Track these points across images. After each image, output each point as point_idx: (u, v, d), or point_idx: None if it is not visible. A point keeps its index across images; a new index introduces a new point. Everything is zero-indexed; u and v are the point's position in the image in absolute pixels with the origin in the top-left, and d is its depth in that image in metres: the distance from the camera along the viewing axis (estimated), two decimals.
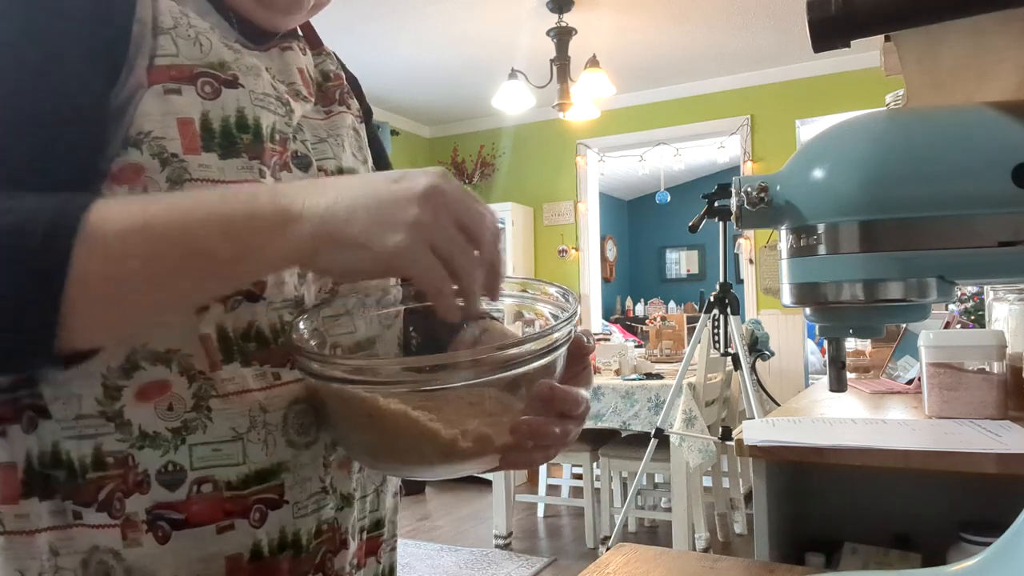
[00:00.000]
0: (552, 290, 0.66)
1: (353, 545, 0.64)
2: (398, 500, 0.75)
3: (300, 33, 0.72)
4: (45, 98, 0.50)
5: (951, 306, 1.67)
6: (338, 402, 0.55)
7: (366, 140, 0.74)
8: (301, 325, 0.58)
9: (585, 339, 0.60)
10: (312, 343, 0.59)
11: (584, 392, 0.57)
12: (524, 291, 0.68)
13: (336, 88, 0.72)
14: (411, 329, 0.70)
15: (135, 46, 0.54)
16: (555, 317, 0.63)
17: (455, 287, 0.48)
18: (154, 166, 0.52)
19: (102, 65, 0.52)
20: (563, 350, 0.56)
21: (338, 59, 0.78)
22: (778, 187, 0.49)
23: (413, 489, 4.71)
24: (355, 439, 0.57)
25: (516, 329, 0.70)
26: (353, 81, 0.81)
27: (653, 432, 2.95)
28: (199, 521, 0.53)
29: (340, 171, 0.66)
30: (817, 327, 0.53)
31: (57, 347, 0.45)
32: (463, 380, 0.50)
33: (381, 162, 0.82)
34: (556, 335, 0.54)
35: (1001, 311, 1.34)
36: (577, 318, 0.58)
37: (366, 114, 0.82)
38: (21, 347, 0.45)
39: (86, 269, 0.44)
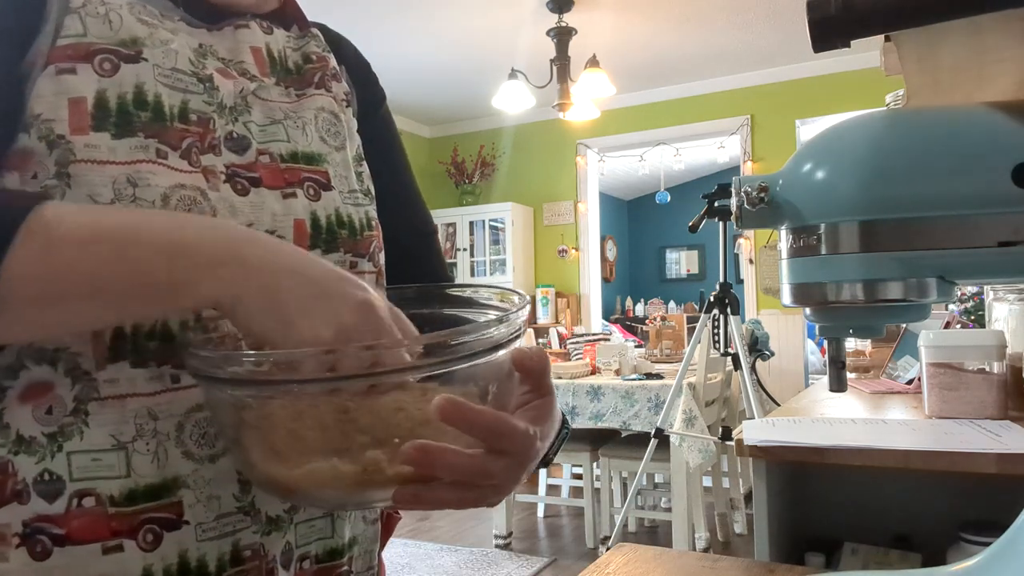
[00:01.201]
0: (515, 298, 0.58)
1: (284, 575, 0.57)
2: (377, 528, 0.66)
3: (288, 13, 0.69)
4: None
5: (951, 306, 1.67)
6: (221, 411, 0.49)
7: (349, 126, 0.68)
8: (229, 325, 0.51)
9: (531, 355, 0.50)
10: (245, 342, 0.51)
11: (520, 423, 0.45)
12: (501, 300, 0.60)
13: (317, 71, 0.67)
14: None
15: (49, 23, 0.51)
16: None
17: None
18: (42, 150, 0.49)
19: (14, 43, 0.50)
20: (490, 358, 0.46)
21: (339, 42, 0.74)
22: (778, 187, 0.49)
23: None
24: (236, 454, 0.49)
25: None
26: (362, 66, 0.76)
27: (653, 432, 2.95)
28: (81, 538, 0.48)
29: (294, 155, 0.61)
30: (817, 327, 0.53)
31: None
32: (313, 387, 0.43)
33: (392, 151, 0.77)
34: (473, 337, 0.45)
35: (1001, 311, 1.34)
36: (519, 322, 0.49)
37: (379, 99, 0.77)
38: None
39: (24, 269, 0.43)
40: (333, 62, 0.70)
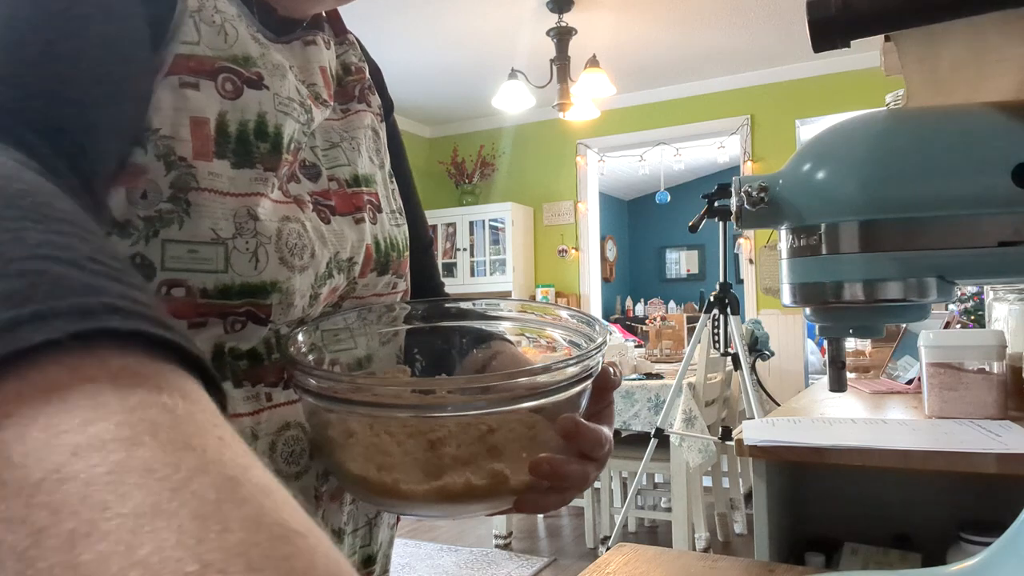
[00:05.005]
0: (564, 313, 0.61)
1: None
2: (394, 532, 0.70)
3: (324, 16, 0.66)
4: (92, 66, 0.42)
5: (951, 306, 1.67)
6: (333, 426, 0.50)
7: (385, 141, 0.68)
8: (300, 338, 0.53)
9: (612, 372, 0.55)
10: (310, 358, 0.54)
11: (607, 432, 0.52)
12: (529, 313, 0.63)
13: (357, 83, 0.66)
14: (415, 351, 0.65)
15: (175, 25, 0.47)
16: (575, 345, 0.58)
17: None
18: (158, 169, 0.46)
19: (147, 40, 0.46)
20: (589, 382, 0.51)
21: (361, 47, 0.71)
22: (778, 187, 0.49)
23: None
24: (350, 470, 0.50)
25: (531, 356, 0.65)
26: (376, 72, 0.73)
27: (653, 432, 2.95)
28: None
29: (356, 179, 0.60)
30: (817, 327, 0.53)
31: None
32: (478, 408, 0.46)
33: (400, 162, 0.75)
34: (589, 362, 0.50)
35: (1001, 311, 1.34)
36: (597, 359, 0.53)
37: (387, 108, 0.74)
38: None
39: None
40: (367, 72, 0.68)
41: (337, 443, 0.49)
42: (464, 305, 0.65)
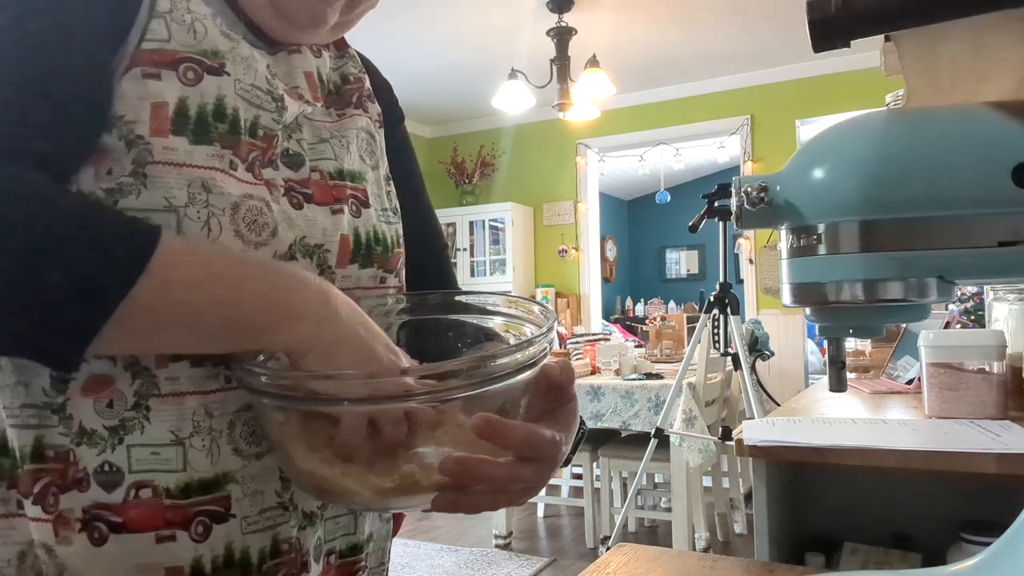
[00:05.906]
0: (536, 309, 0.62)
1: (316, 569, 0.60)
2: (389, 527, 0.71)
3: None
4: (51, 65, 0.49)
5: (951, 306, 1.67)
6: (264, 420, 0.53)
7: (382, 145, 0.71)
8: None
9: (558, 370, 0.55)
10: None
11: (547, 432, 0.51)
12: (513, 308, 0.64)
13: (354, 91, 0.70)
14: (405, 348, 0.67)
15: (137, 25, 0.52)
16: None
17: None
18: (120, 148, 0.51)
19: (108, 39, 0.51)
20: (521, 378, 0.50)
21: (366, 63, 0.76)
22: (778, 187, 0.49)
23: None
24: (284, 458, 0.53)
25: None
26: (385, 86, 0.79)
27: (653, 432, 2.95)
28: (137, 527, 0.51)
29: (340, 173, 0.63)
30: (817, 327, 0.53)
31: (79, 358, 0.47)
32: (366, 404, 0.48)
33: (410, 167, 0.79)
34: (506, 360, 0.49)
35: (1001, 311, 1.34)
36: (547, 342, 0.52)
37: (398, 118, 0.79)
38: (46, 345, 0.46)
39: (140, 302, 0.45)
40: (368, 83, 0.72)
41: (268, 428, 0.53)
42: (458, 298, 0.67)
